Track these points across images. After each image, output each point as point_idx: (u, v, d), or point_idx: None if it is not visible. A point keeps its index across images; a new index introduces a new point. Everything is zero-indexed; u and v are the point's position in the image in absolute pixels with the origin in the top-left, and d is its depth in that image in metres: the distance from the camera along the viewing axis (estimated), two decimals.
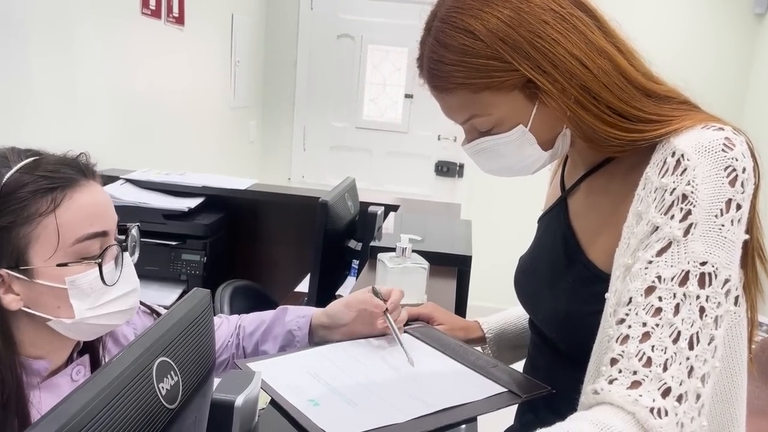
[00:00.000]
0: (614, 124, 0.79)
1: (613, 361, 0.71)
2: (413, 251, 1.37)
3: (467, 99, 0.83)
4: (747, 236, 0.74)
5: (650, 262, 0.72)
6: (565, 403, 0.79)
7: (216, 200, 2.19)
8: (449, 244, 1.68)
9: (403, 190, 3.70)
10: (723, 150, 0.72)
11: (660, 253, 0.72)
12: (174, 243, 2.05)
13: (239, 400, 0.67)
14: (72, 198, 0.83)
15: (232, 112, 3.42)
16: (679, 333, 0.69)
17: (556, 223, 0.95)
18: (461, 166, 3.87)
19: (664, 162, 0.75)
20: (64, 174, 0.84)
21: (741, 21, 3.53)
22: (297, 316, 1.11)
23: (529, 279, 0.99)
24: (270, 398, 0.87)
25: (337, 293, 1.79)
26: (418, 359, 0.99)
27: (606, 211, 0.86)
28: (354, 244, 1.78)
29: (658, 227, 0.73)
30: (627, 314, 0.72)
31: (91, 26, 2.08)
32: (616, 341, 0.72)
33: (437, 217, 2.14)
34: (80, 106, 2.07)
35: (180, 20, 2.68)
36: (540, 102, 0.81)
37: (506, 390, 0.92)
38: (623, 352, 0.70)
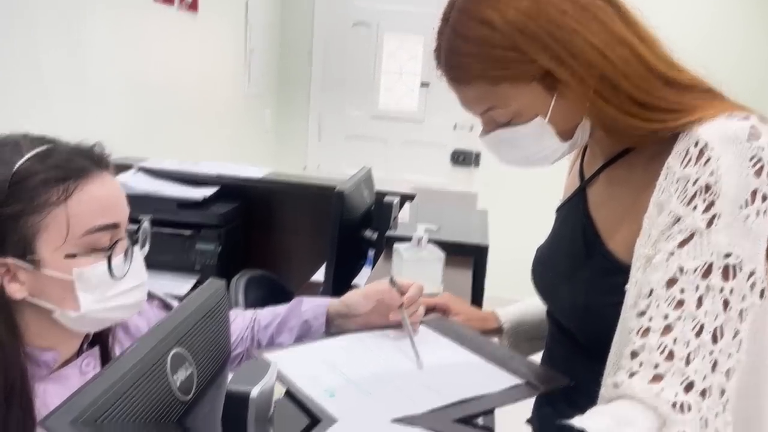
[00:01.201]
0: (634, 114, 0.78)
1: (634, 354, 0.70)
2: (429, 241, 1.36)
3: (485, 91, 0.83)
4: None
5: (672, 254, 0.71)
6: (584, 396, 0.79)
7: (231, 189, 2.18)
8: (465, 234, 1.66)
9: (419, 179, 3.67)
10: (749, 140, 0.70)
11: (682, 244, 0.70)
12: (188, 232, 2.04)
13: (255, 392, 0.66)
14: (84, 189, 0.82)
15: (246, 100, 3.41)
16: (702, 326, 0.67)
17: (574, 213, 0.94)
18: (477, 156, 3.84)
19: (687, 152, 0.73)
20: (76, 164, 0.83)
21: None
22: (313, 305, 1.09)
23: (547, 270, 0.98)
24: (285, 390, 0.86)
25: (353, 283, 1.78)
26: (434, 351, 0.99)
27: (626, 201, 0.85)
28: (370, 234, 1.77)
29: (680, 218, 0.71)
30: (648, 306, 0.71)
31: (102, 13, 2.07)
32: (637, 333, 0.70)
33: (453, 206, 2.12)
34: (91, 94, 2.06)
35: (193, 6, 2.66)
36: (559, 93, 0.81)
37: (524, 382, 0.91)
38: (644, 344, 0.69)
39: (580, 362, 0.90)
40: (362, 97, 3.90)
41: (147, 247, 0.94)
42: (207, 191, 2.09)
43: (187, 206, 2.04)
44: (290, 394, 0.85)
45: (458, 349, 1.02)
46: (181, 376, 0.66)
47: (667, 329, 0.68)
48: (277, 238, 2.35)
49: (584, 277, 0.88)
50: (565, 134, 0.85)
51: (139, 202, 2.00)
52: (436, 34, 0.89)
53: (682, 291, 0.69)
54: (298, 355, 0.97)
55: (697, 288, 0.68)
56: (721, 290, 0.68)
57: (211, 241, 2.05)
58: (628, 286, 0.77)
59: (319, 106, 3.95)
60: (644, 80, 0.78)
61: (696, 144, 0.73)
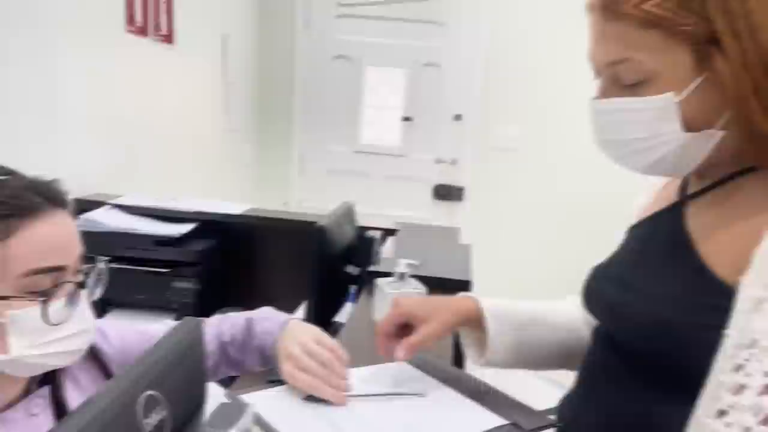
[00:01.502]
0: None
1: (722, 413, 0.61)
2: (411, 276, 1.35)
3: (628, 34, 0.70)
4: None
5: None
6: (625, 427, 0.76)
7: (209, 226, 2.15)
8: (448, 269, 1.65)
9: (401, 214, 3.66)
10: None
11: None
12: (165, 270, 2.00)
13: None
14: (29, 228, 0.78)
15: (225, 134, 3.40)
16: None
17: (663, 228, 0.82)
18: (460, 190, 3.85)
19: None
20: (25, 201, 0.79)
21: None
22: (265, 328, 1.05)
23: (609, 287, 0.85)
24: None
25: (334, 320, 1.75)
26: (419, 391, 0.97)
27: (738, 225, 0.73)
28: (352, 269, 1.75)
29: None
30: (747, 360, 0.60)
31: (74, 44, 2.03)
32: (728, 391, 0.61)
33: (436, 241, 2.11)
34: (62, 127, 2.02)
35: (168, 38, 2.65)
36: (709, 75, 0.68)
37: (510, 422, 0.90)
38: (735, 403, 0.60)
39: (633, 393, 0.79)
40: (344, 132, 3.91)
41: (100, 290, 0.90)
42: (184, 228, 2.05)
43: (164, 243, 2.00)
44: None
45: (443, 388, 1.00)
46: (153, 419, 0.62)
47: (767, 389, 0.59)
48: (257, 275, 2.31)
49: (669, 292, 0.76)
50: (689, 130, 0.72)
51: (112, 240, 1.98)
52: None
53: None
54: (277, 396, 0.94)
55: None
56: None
57: (189, 278, 2.01)
58: (728, 331, 0.64)
59: (300, 141, 3.95)
60: None
61: None
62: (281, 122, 3.91)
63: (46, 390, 0.87)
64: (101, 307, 2.00)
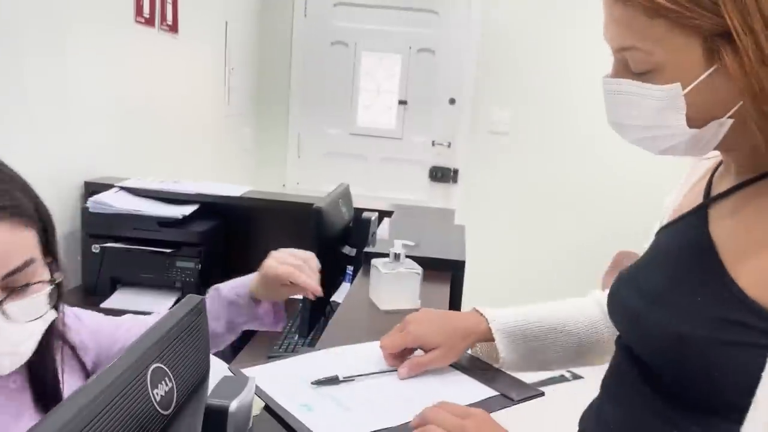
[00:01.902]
0: None
1: None
2: (407, 257, 1.38)
3: (635, 21, 0.67)
4: None
5: None
6: None
7: (211, 207, 2.19)
8: (443, 250, 1.69)
9: (397, 196, 3.71)
10: None
11: None
12: (168, 250, 2.05)
13: (233, 405, 0.68)
14: None
15: (226, 119, 3.43)
16: None
17: (687, 233, 0.78)
18: (455, 172, 3.88)
19: None
20: None
21: None
22: (231, 286, 1.17)
23: (631, 293, 0.81)
24: (264, 405, 0.87)
25: (332, 300, 1.80)
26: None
27: (761, 232, 0.69)
28: (348, 250, 1.79)
29: None
30: None
31: (85, 34, 2.09)
32: None
33: (431, 222, 2.15)
34: (74, 114, 2.07)
35: (174, 28, 2.69)
36: (719, 68, 0.65)
37: (498, 393, 0.92)
38: None
39: (650, 407, 0.75)
40: (341, 115, 3.94)
41: (50, 314, 0.83)
42: (187, 209, 2.10)
43: (168, 224, 2.05)
44: (269, 409, 0.86)
45: None
46: (161, 390, 0.67)
47: None
48: (257, 255, 2.33)
49: (691, 304, 0.71)
50: (696, 121, 0.69)
51: (121, 221, 2.04)
52: None
53: None
54: (275, 370, 0.98)
55: None
56: None
57: (191, 258, 2.06)
58: None
59: (298, 124, 3.98)
60: None
61: None
62: (280, 106, 3.95)
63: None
64: (111, 285, 2.06)
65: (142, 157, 2.52)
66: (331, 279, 1.77)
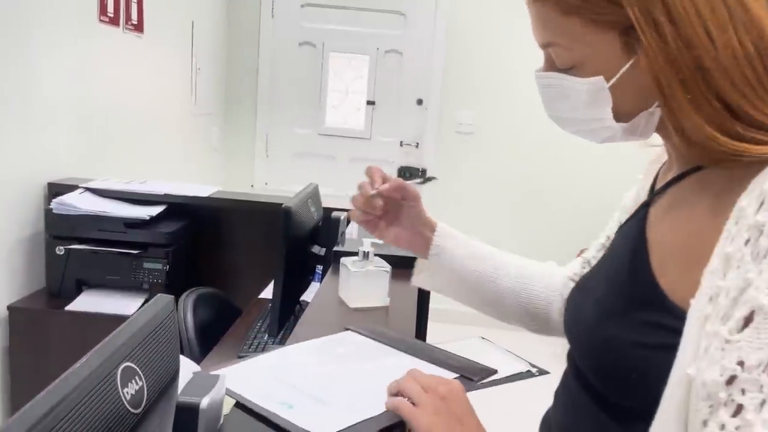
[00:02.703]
0: (719, 123, 0.60)
1: None
2: (376, 255, 1.40)
3: (552, 19, 0.68)
4: None
5: (728, 342, 0.55)
6: None
7: (178, 208, 2.18)
8: None
9: None
10: None
11: (741, 327, 0.54)
12: (135, 251, 2.03)
13: (204, 403, 0.69)
14: None
15: (193, 119, 3.41)
16: None
17: (629, 233, 0.75)
18: (424, 172, 3.91)
19: (762, 189, 0.56)
20: None
21: None
22: None
23: (578, 294, 0.81)
24: (234, 403, 0.88)
25: (301, 299, 1.80)
26: (370, 355, 1.04)
27: (688, 231, 0.67)
28: (318, 250, 1.80)
29: (750, 284, 0.54)
30: (710, 413, 0.56)
31: (47, 33, 2.06)
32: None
33: None
34: (36, 114, 2.04)
35: (139, 28, 2.66)
36: (636, 61, 0.65)
37: (458, 375, 0.97)
38: None
39: (588, 412, 0.74)
40: (309, 116, 3.94)
41: None
42: (154, 210, 2.08)
43: (135, 225, 2.03)
44: (247, 410, 0.87)
45: (392, 352, 1.07)
46: (131, 389, 0.67)
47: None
48: (225, 255, 2.36)
49: (618, 307, 0.70)
50: (625, 115, 0.69)
51: (86, 222, 2.01)
52: None
53: (743, 392, 0.53)
54: (243, 371, 0.98)
55: (761, 388, 0.53)
56: None
57: (159, 259, 2.05)
58: (680, 350, 0.60)
59: (266, 125, 3.96)
60: (750, 84, 0.60)
61: None
62: (247, 106, 3.93)
63: None
64: (76, 287, 2.03)
65: (107, 158, 2.49)
66: (300, 278, 1.77)
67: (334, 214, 1.70)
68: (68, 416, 0.57)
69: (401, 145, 3.90)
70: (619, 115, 0.69)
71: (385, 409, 0.85)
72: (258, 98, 3.93)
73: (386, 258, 1.42)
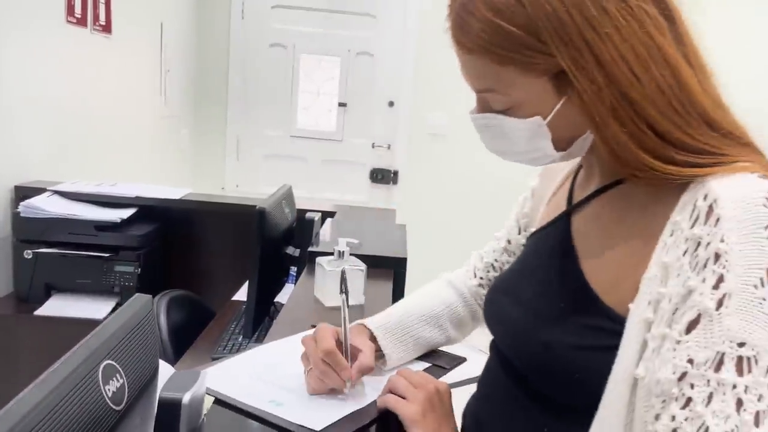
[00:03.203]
0: (652, 150, 0.66)
1: None
2: (351, 254, 1.41)
3: (488, 69, 0.72)
4: None
5: (678, 342, 0.60)
6: None
7: (149, 210, 2.16)
8: (385, 248, 1.73)
9: (338, 197, 3.74)
10: (764, 205, 0.60)
11: (689, 329, 0.60)
12: (106, 255, 2.01)
13: (186, 398, 0.69)
14: None
15: (163, 121, 3.37)
16: (707, 429, 0.57)
17: (552, 240, 0.82)
18: (395, 173, 3.94)
19: (695, 205, 0.63)
20: None
21: None
22: None
23: (503, 299, 0.85)
24: (213, 400, 0.88)
25: (275, 300, 1.81)
26: None
27: (617, 240, 0.73)
28: (292, 251, 1.80)
29: (692, 290, 0.61)
30: (663, 408, 0.61)
31: (13, 34, 2.02)
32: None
33: (373, 222, 2.18)
34: (2, 116, 2.00)
35: (107, 29, 2.63)
36: (569, 98, 0.70)
37: (431, 364, 1.03)
38: None
39: (521, 406, 0.80)
40: (280, 117, 3.93)
41: None
42: (125, 213, 2.07)
43: (105, 228, 2.01)
44: (228, 406, 0.87)
45: None
46: (112, 386, 0.67)
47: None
48: (198, 258, 2.34)
49: (552, 312, 0.75)
50: (563, 143, 0.74)
51: (55, 225, 1.98)
52: None
53: (692, 386, 0.59)
54: (225, 371, 0.98)
55: (708, 383, 0.58)
56: (734, 387, 0.57)
57: (131, 262, 2.03)
58: (620, 351, 0.66)
59: (236, 126, 3.95)
60: (679, 114, 0.66)
61: (705, 197, 0.62)
62: (218, 108, 3.91)
63: None
64: (45, 291, 2.00)
65: (74, 160, 2.45)
66: (274, 279, 1.78)
67: (308, 214, 1.71)
68: (52, 413, 0.57)
69: (373, 146, 3.91)
70: (558, 145, 0.74)
71: (371, 401, 0.88)
72: (228, 100, 3.91)
73: (361, 258, 1.44)
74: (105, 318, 0.80)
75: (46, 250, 1.97)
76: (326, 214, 2.14)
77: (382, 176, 3.95)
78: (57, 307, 1.98)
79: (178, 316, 1.84)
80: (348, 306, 0.93)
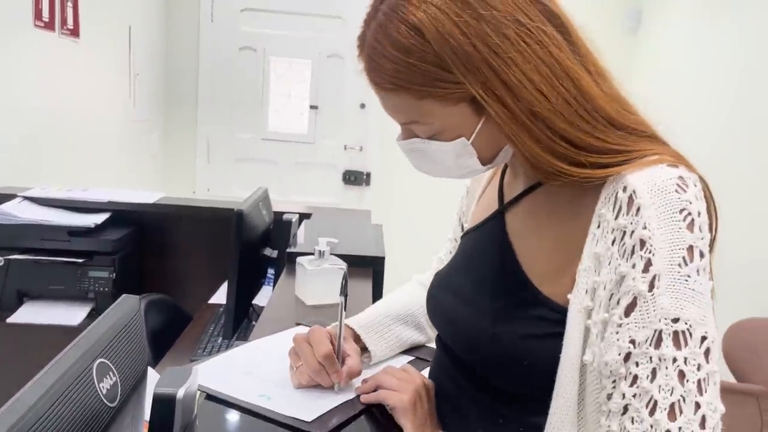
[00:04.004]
0: (566, 157, 0.71)
1: None
2: (331, 253, 1.43)
3: (407, 103, 0.75)
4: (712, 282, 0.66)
5: (620, 326, 0.65)
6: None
7: (123, 215, 2.15)
8: (363, 247, 1.75)
9: (311, 200, 3.74)
10: (676, 191, 0.65)
11: (628, 312, 0.65)
12: (80, 260, 1.99)
13: (180, 393, 0.70)
14: None
15: (132, 125, 3.34)
16: (655, 403, 0.62)
17: (490, 238, 0.86)
18: (368, 175, 3.96)
19: (616, 197, 0.68)
20: None
21: (613, 36, 3.73)
22: None
23: (446, 296, 0.89)
24: (203, 396, 0.90)
25: (254, 302, 1.81)
26: None
27: (550, 233, 0.78)
28: (270, 252, 1.81)
29: (624, 276, 0.66)
30: (614, 387, 0.66)
31: None
32: (605, 418, 0.67)
33: (349, 222, 2.20)
34: None
35: (75, 32, 2.60)
36: (486, 118, 0.74)
37: (414, 357, 1.07)
38: (608, 429, 0.66)
39: (474, 398, 0.83)
40: (251, 120, 3.92)
41: None
42: (98, 218, 2.05)
43: (78, 234, 1.99)
44: (219, 401, 0.88)
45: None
46: (106, 384, 0.68)
47: (625, 410, 0.64)
48: (173, 262, 2.33)
49: (495, 305, 0.79)
50: (487, 157, 0.79)
51: (27, 232, 1.96)
52: (364, 18, 0.79)
53: (637, 364, 0.63)
54: (212, 369, 0.99)
55: (650, 359, 0.63)
56: (674, 360, 0.62)
57: (105, 267, 2.01)
58: (565, 339, 0.71)
59: (207, 130, 3.92)
60: (586, 121, 0.71)
61: (624, 189, 0.67)
62: (188, 112, 3.88)
63: None
64: (17, 298, 1.97)
65: (44, 166, 2.42)
66: (253, 281, 1.78)
67: (286, 216, 1.72)
68: (50, 411, 0.58)
69: (345, 148, 3.93)
70: (484, 160, 0.79)
71: (356, 394, 0.90)
72: (199, 103, 3.88)
73: (340, 257, 1.46)
74: (80, 324, 0.80)
75: (18, 256, 1.95)
76: (302, 216, 2.15)
77: (355, 178, 3.96)
78: (30, 314, 1.95)
79: (155, 320, 1.83)
80: (345, 309, 0.94)
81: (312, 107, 3.88)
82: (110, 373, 0.70)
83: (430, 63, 0.70)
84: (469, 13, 0.69)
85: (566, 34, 0.72)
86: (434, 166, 0.82)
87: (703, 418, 0.61)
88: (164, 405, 0.70)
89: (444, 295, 0.89)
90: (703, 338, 0.62)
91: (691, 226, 0.64)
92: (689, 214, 0.65)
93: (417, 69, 0.71)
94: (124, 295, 0.85)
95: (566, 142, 0.71)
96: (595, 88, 0.72)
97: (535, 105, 0.69)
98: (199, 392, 0.84)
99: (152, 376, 1.05)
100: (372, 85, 0.78)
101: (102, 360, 0.69)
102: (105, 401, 0.67)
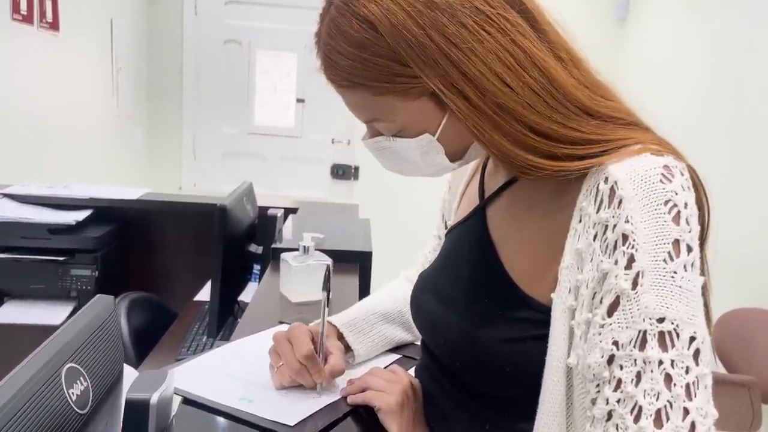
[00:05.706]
0: (538, 150, 0.66)
1: None
2: (316, 249, 1.40)
3: (367, 100, 0.72)
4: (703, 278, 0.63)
5: (603, 326, 0.61)
6: None
7: (105, 212, 2.11)
8: (349, 242, 1.72)
9: (299, 194, 3.71)
10: (661, 181, 0.61)
11: (610, 311, 0.61)
12: (61, 258, 1.95)
13: (154, 398, 0.68)
14: None
15: (116, 120, 3.30)
16: (640, 409, 0.57)
17: (471, 235, 0.82)
18: (356, 169, 3.93)
19: (597, 189, 0.64)
20: None
21: (603, 26, 3.75)
22: None
23: (428, 298, 0.85)
24: (181, 400, 0.87)
25: (239, 299, 1.78)
26: None
27: (531, 229, 0.74)
28: (255, 248, 1.78)
29: (607, 273, 0.62)
30: (597, 392, 0.62)
31: None
32: (590, 424, 0.63)
33: (336, 217, 2.17)
34: None
35: (54, 26, 2.55)
36: (451, 112, 0.69)
37: (401, 356, 1.05)
38: None
39: (458, 402, 0.80)
40: (237, 115, 3.88)
41: None
42: (80, 215, 2.01)
43: (59, 231, 1.95)
44: (197, 405, 0.86)
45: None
46: (76, 390, 0.66)
47: (609, 416, 0.60)
48: (157, 259, 2.30)
49: (478, 307, 0.75)
50: (456, 154, 0.75)
51: (7, 229, 1.92)
52: (319, 14, 0.76)
53: (621, 368, 0.59)
54: (191, 370, 0.97)
55: (635, 362, 0.59)
56: (660, 363, 0.58)
57: (87, 265, 1.97)
58: (550, 341, 0.67)
59: (192, 125, 3.88)
60: (557, 111, 0.66)
61: (606, 180, 0.63)
62: (172, 107, 3.84)
63: None
64: None
65: (24, 163, 2.38)
66: (238, 278, 1.76)
67: (271, 211, 1.68)
68: (14, 419, 0.56)
69: (333, 142, 3.90)
70: (453, 156, 0.75)
71: (337, 396, 0.87)
72: (183, 98, 3.84)
73: (326, 253, 1.43)
74: (63, 323, 0.77)
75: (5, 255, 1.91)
76: (288, 211, 2.12)
77: (343, 172, 3.94)
78: (11, 313, 1.92)
79: (139, 319, 1.80)
80: (329, 305, 0.90)
81: (299, 101, 3.85)
82: (81, 378, 0.67)
83: (385, 57, 0.67)
84: (423, 2, 0.65)
85: (532, 20, 0.67)
86: (403, 164, 0.78)
87: (693, 425, 0.56)
88: (137, 411, 0.67)
89: (426, 298, 0.85)
90: (692, 339, 0.58)
91: (677, 219, 0.60)
92: (675, 205, 0.60)
93: (372, 64, 0.67)
94: (98, 295, 0.82)
95: (536, 133, 0.66)
96: (566, 75, 0.67)
97: (500, 96, 0.65)
98: (176, 397, 0.82)
99: (134, 377, 1.02)
100: (330, 83, 0.74)
101: (72, 365, 0.66)
102: (75, 408, 0.64)
